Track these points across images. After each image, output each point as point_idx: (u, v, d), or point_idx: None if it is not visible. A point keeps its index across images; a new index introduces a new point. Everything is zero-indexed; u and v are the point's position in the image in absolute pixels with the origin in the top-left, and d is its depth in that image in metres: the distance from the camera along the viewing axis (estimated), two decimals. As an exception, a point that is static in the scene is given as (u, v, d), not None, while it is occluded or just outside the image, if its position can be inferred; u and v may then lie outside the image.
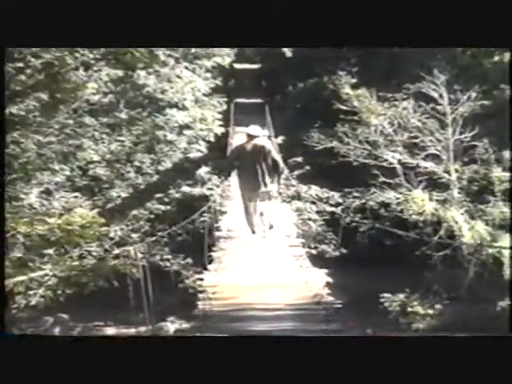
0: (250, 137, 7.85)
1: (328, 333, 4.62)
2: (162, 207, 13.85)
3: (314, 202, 11.52)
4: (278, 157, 8.02)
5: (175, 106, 16.46)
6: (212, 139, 17.42)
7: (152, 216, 13.58)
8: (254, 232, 8.06)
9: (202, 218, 11.33)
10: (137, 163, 15.25)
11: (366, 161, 13.78)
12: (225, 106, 19.37)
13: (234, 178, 10.44)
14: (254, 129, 7.99)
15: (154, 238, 9.58)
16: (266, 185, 7.77)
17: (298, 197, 11.88)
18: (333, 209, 13.27)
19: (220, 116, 18.03)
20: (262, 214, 7.91)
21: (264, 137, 18.42)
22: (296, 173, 15.21)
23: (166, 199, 14.17)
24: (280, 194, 11.83)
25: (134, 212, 13.57)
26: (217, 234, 8.57)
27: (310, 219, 12.14)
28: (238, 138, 16.12)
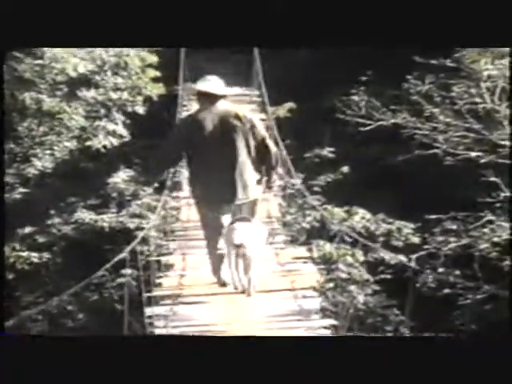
0: (208, 98, 8.53)
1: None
2: (34, 256, 14.52)
3: (356, 243, 11.68)
4: (266, 134, 8.66)
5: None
6: (141, 110, 18.36)
7: (12, 276, 14.26)
8: (224, 284, 8.66)
9: (120, 279, 11.78)
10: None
11: (473, 154, 14.43)
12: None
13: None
14: (211, 82, 8.62)
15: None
16: (245, 190, 8.52)
17: (322, 231, 12.21)
18: (400, 258, 13.19)
19: (156, 59, 18.96)
20: (239, 247, 8.32)
21: (244, 102, 19.17)
22: (321, 180, 15.82)
23: (41, 238, 14.89)
24: (284, 224, 12.46)
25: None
26: (149, 311, 8.75)
27: (349, 280, 12.25)
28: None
